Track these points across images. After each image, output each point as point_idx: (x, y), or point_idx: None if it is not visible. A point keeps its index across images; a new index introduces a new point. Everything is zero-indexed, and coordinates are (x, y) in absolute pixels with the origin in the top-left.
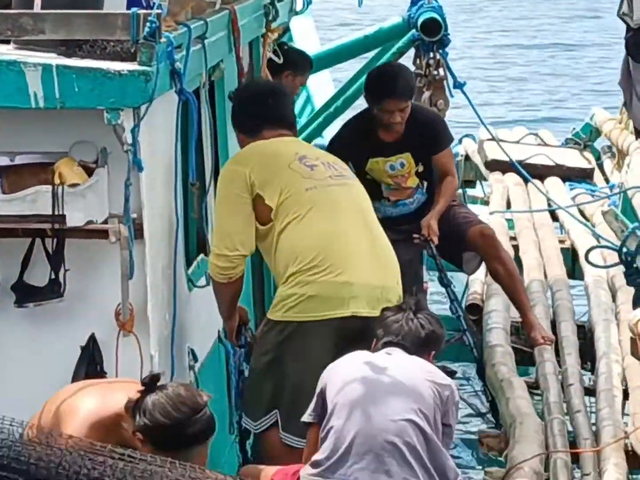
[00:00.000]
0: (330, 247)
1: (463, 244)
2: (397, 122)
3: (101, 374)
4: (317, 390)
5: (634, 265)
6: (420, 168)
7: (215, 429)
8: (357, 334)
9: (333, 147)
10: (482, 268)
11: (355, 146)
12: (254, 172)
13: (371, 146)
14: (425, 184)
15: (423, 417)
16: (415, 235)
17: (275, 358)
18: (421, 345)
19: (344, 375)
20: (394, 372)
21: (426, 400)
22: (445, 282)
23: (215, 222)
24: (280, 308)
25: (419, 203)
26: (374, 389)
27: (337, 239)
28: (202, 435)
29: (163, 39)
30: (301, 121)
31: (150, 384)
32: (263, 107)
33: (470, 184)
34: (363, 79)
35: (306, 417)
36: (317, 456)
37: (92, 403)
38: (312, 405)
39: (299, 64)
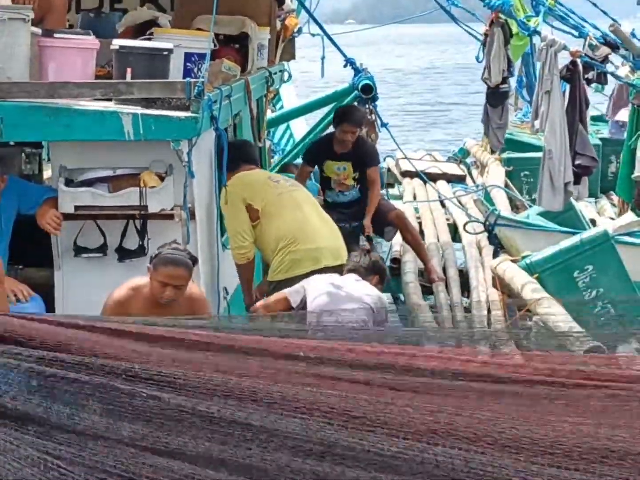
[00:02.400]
0: (299, 228)
1: (385, 222)
2: (348, 139)
3: None
4: (300, 291)
5: (493, 232)
6: (356, 175)
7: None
8: None
9: (308, 151)
10: (397, 236)
11: (319, 153)
12: (244, 191)
13: (328, 154)
14: (358, 185)
15: (365, 314)
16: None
17: None
18: (368, 270)
19: (316, 289)
20: (347, 288)
21: (368, 305)
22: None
23: (227, 227)
24: (278, 272)
25: (353, 197)
26: (332, 298)
27: (302, 222)
28: (170, 258)
29: (205, 97)
30: (286, 148)
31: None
32: (241, 152)
33: (391, 185)
34: (325, 121)
35: (293, 302)
36: None
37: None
38: (296, 297)
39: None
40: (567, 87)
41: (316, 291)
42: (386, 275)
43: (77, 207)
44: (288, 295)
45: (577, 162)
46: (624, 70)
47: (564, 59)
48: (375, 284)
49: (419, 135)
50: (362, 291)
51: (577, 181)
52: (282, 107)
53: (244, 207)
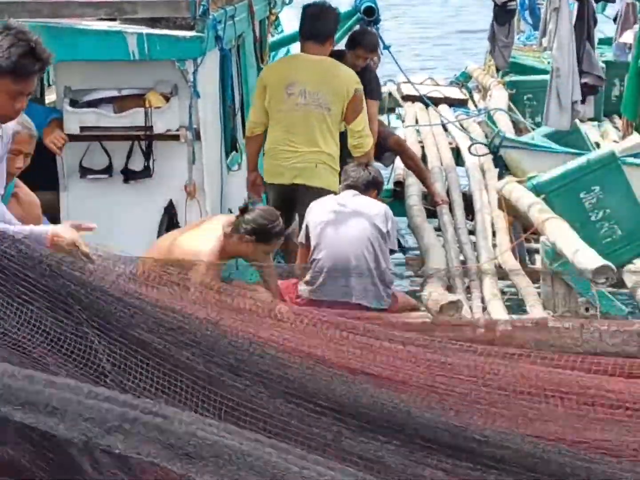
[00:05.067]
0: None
1: (384, 148)
2: (360, 64)
3: (176, 224)
4: (304, 225)
5: (498, 154)
6: None
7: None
8: None
9: None
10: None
11: None
12: (266, 77)
13: None
14: None
15: (373, 232)
16: None
17: None
18: (368, 185)
19: (318, 214)
20: (351, 205)
21: (374, 219)
22: None
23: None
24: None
25: None
26: (338, 216)
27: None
28: (282, 230)
29: (210, 17)
30: None
31: (245, 208)
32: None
33: (392, 110)
34: None
35: (299, 239)
36: (307, 277)
37: (207, 243)
38: (301, 234)
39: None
40: (575, 4)
41: (317, 216)
42: (382, 188)
43: (82, 128)
44: (297, 242)
45: (583, 80)
46: None
47: None
48: (374, 197)
49: (420, 58)
50: (365, 205)
51: (582, 100)
52: (282, 31)
53: (262, 90)
